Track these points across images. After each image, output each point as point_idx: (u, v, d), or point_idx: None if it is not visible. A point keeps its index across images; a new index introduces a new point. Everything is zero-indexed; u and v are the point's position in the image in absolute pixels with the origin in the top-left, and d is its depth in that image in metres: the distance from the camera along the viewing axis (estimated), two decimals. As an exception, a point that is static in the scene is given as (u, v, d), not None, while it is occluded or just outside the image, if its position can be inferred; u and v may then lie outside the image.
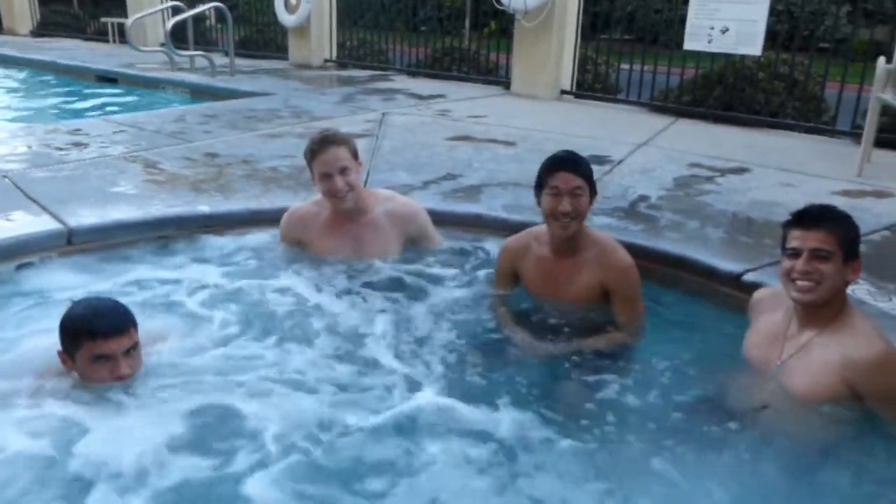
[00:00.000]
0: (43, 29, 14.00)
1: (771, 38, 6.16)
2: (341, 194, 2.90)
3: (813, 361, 2.11)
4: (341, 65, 9.42)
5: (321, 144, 2.89)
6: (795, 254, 2.11)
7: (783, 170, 4.58)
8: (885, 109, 4.67)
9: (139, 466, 1.87)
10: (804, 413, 2.12)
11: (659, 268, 3.03)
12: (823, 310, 2.13)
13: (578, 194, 2.49)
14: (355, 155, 2.96)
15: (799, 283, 2.11)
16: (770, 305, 2.35)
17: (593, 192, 2.57)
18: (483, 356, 2.49)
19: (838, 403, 2.07)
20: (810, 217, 2.12)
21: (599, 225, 3.16)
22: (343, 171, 2.88)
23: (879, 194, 4.07)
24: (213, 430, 2.03)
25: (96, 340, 2.08)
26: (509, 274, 2.81)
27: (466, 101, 7.02)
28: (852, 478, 1.98)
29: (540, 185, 2.57)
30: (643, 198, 3.87)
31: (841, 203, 3.78)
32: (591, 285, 2.61)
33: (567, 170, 2.50)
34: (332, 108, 6.47)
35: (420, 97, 7.15)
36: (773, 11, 5.87)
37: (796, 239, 2.12)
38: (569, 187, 2.48)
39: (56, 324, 2.14)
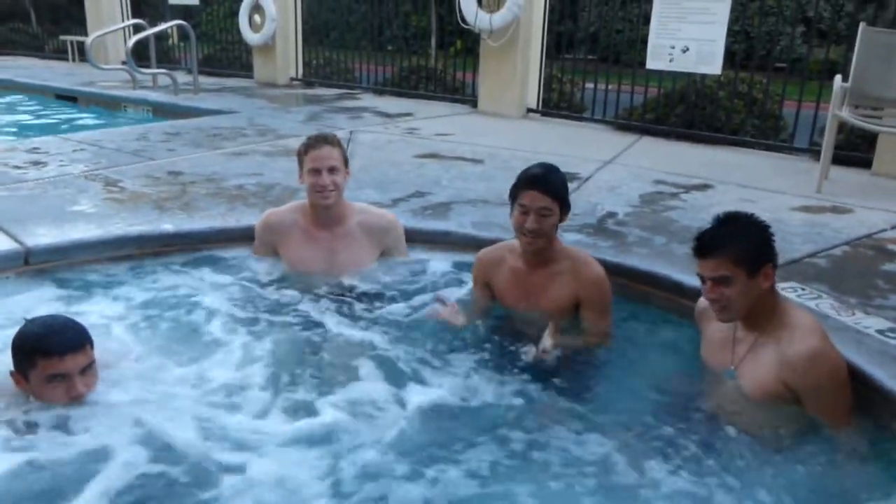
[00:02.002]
0: (0, 48, 13.72)
1: (729, 57, 6.30)
2: (326, 190, 2.94)
3: (758, 363, 2.17)
4: (307, 83, 9.39)
5: (317, 140, 2.99)
6: (703, 280, 2.17)
7: (744, 186, 4.67)
8: (842, 127, 4.80)
9: (94, 486, 1.83)
10: (756, 414, 2.17)
11: (628, 283, 3.05)
12: (754, 317, 2.19)
13: (545, 214, 2.50)
14: (346, 162, 3.04)
15: (713, 307, 2.18)
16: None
17: (565, 208, 2.57)
18: (457, 369, 2.47)
19: (784, 403, 2.12)
20: (701, 247, 2.15)
21: (569, 241, 3.15)
22: (332, 169, 2.94)
23: (838, 210, 4.16)
24: (170, 452, 1.98)
25: (51, 359, 2.00)
26: (483, 285, 2.81)
27: (434, 119, 7.04)
28: (798, 478, 2.00)
29: (513, 199, 2.58)
30: (611, 214, 3.91)
31: (801, 219, 3.90)
32: (564, 296, 2.62)
33: (537, 189, 2.50)
34: (299, 126, 6.42)
35: (387, 115, 7.14)
36: (730, 32, 6.02)
37: (698, 267, 2.17)
38: (536, 206, 2.49)
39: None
